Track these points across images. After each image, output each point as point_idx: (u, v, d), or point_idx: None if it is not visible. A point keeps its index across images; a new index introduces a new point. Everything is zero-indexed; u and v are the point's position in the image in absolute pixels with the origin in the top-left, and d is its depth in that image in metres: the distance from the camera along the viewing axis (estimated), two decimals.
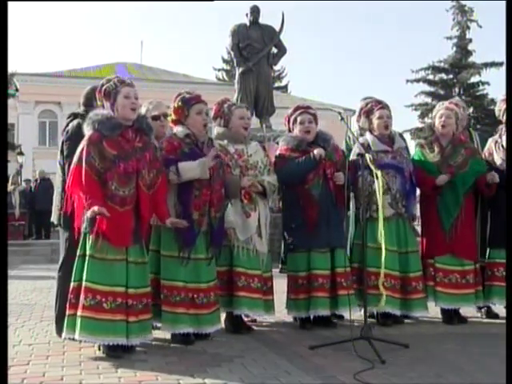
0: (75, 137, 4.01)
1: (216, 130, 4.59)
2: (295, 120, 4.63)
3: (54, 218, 4.31)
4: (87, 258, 3.59)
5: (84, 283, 3.56)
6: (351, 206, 5.00)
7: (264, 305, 4.35)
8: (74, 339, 3.65)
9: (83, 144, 3.62)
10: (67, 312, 3.63)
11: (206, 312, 3.97)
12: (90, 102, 4.24)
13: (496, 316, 4.97)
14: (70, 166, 3.80)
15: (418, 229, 5.34)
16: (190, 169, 3.93)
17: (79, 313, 3.54)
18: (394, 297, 4.54)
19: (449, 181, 4.71)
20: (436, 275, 4.75)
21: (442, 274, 4.74)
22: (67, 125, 4.28)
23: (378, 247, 4.39)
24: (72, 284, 3.64)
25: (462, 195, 4.73)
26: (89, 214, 3.50)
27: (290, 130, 4.73)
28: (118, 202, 3.61)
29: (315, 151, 4.48)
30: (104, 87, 3.77)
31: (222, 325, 4.26)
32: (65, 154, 4.14)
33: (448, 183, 4.71)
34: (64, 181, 4.01)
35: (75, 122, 4.19)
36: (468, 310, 4.93)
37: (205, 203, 4.00)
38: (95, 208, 3.47)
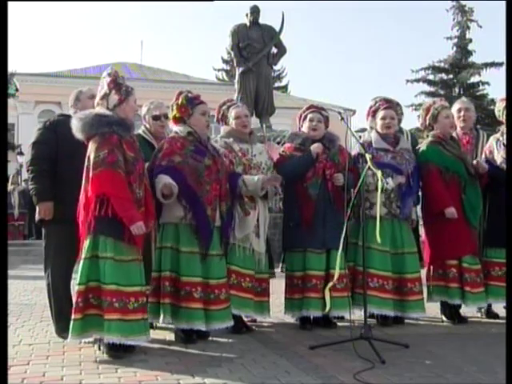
0: (48, 128, 4.14)
1: (222, 129, 4.62)
2: (305, 117, 4.65)
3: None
4: (108, 261, 3.52)
5: (109, 286, 3.50)
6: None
7: (254, 305, 4.32)
8: (96, 341, 3.66)
9: (107, 148, 3.50)
10: (73, 316, 3.55)
11: (215, 308, 3.94)
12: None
13: (496, 316, 4.97)
14: (34, 152, 4.02)
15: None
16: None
17: (110, 316, 3.47)
18: (383, 297, 4.49)
19: (472, 180, 4.73)
20: (466, 276, 4.66)
21: (475, 274, 4.68)
22: None
23: (372, 247, 4.38)
24: (78, 287, 3.56)
25: (481, 193, 4.78)
26: (136, 230, 3.49)
27: (300, 129, 4.73)
28: (137, 204, 3.61)
29: (312, 147, 4.48)
30: (119, 80, 3.70)
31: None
32: (32, 140, 4.16)
33: (471, 182, 4.73)
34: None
35: (61, 117, 4.26)
36: (468, 310, 4.93)
37: (215, 198, 4.00)
38: (142, 226, 3.51)
